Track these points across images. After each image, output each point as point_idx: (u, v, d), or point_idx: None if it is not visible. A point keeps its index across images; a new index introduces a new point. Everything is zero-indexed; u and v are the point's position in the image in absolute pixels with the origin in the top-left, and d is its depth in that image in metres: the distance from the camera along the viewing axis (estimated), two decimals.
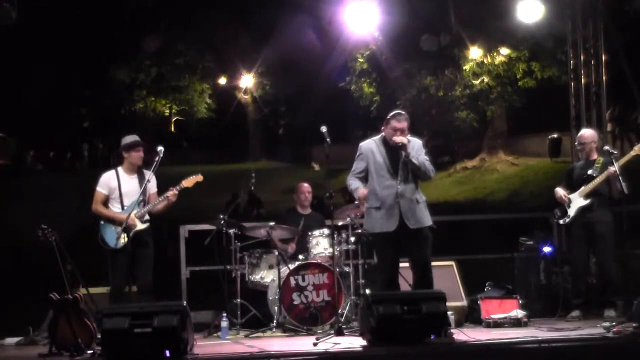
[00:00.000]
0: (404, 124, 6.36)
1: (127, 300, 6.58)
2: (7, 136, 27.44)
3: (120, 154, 7.05)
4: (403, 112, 6.49)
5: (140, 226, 6.81)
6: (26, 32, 20.47)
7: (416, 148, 6.39)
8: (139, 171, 6.98)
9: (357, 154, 6.49)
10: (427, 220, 6.35)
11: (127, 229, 6.62)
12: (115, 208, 6.86)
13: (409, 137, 6.38)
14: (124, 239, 6.68)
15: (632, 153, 7.22)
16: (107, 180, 6.92)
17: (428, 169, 6.38)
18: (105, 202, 6.89)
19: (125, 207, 6.81)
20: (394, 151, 6.32)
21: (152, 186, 7.02)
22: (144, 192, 6.91)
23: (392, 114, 6.45)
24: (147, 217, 6.86)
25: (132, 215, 6.77)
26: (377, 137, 6.51)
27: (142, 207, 6.86)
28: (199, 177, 7.09)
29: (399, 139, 6.26)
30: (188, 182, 7.04)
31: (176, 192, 6.87)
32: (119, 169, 6.99)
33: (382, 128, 6.48)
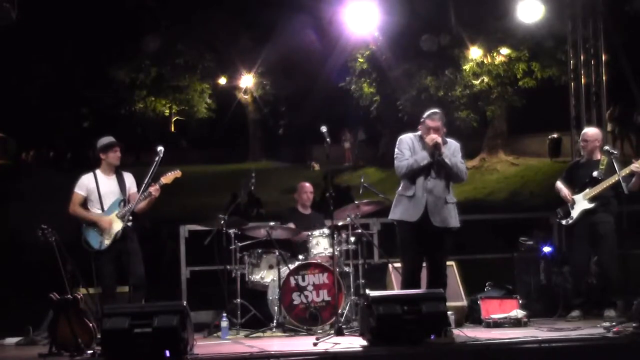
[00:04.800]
0: (437, 123, 6.37)
1: (118, 301, 6.63)
2: (7, 136, 27.42)
3: (97, 155, 7.06)
4: (438, 111, 6.50)
5: (120, 226, 6.82)
6: (26, 31, 20.45)
7: (452, 149, 6.43)
8: (117, 171, 7.04)
9: (400, 144, 6.45)
10: (453, 221, 6.38)
11: (108, 232, 6.72)
12: (95, 209, 6.92)
13: (447, 138, 6.42)
14: (107, 240, 6.75)
15: (628, 170, 7.12)
16: (85, 182, 6.97)
17: (460, 171, 6.39)
18: (85, 204, 6.93)
19: (106, 208, 6.86)
20: (428, 148, 6.33)
21: (132, 185, 7.05)
22: (123, 192, 6.95)
23: (427, 113, 6.48)
24: (129, 216, 6.87)
25: (113, 216, 6.84)
26: (415, 133, 6.52)
27: (122, 207, 6.88)
28: (178, 173, 7.13)
29: (432, 138, 6.28)
30: (167, 178, 7.05)
31: (159, 187, 6.89)
32: (97, 170, 7.03)
33: (419, 127, 6.50)
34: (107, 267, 6.79)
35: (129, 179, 7.08)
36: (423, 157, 6.31)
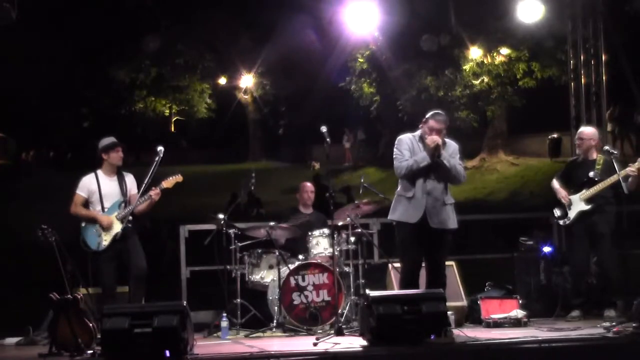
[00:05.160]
0: (441, 125, 6.35)
1: (118, 301, 6.64)
2: (7, 136, 27.45)
3: (99, 156, 7.05)
4: (442, 113, 6.48)
5: (120, 227, 6.82)
6: (26, 31, 20.46)
7: (451, 151, 6.40)
8: (118, 172, 7.02)
9: (399, 144, 6.42)
10: (451, 222, 6.35)
11: (108, 231, 6.71)
12: (96, 210, 6.88)
13: (446, 140, 6.40)
14: (105, 240, 6.75)
15: (624, 173, 7.09)
16: (87, 183, 6.93)
17: (459, 173, 6.37)
18: (86, 205, 6.91)
19: (107, 209, 6.84)
20: (428, 149, 6.30)
21: (133, 187, 7.03)
22: (124, 193, 6.94)
23: (431, 113, 6.45)
24: (129, 217, 6.87)
25: (113, 217, 6.83)
26: (415, 133, 6.49)
27: (123, 209, 6.88)
28: (179, 178, 7.09)
29: (433, 139, 6.26)
30: (168, 182, 7.03)
31: (159, 191, 6.88)
32: (99, 171, 7.00)
33: (420, 125, 6.48)
34: (106, 267, 6.77)
35: (129, 179, 7.06)
36: (423, 159, 6.29)
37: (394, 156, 6.45)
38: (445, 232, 6.35)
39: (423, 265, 6.51)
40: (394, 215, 6.48)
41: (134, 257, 6.81)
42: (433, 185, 6.31)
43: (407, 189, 6.37)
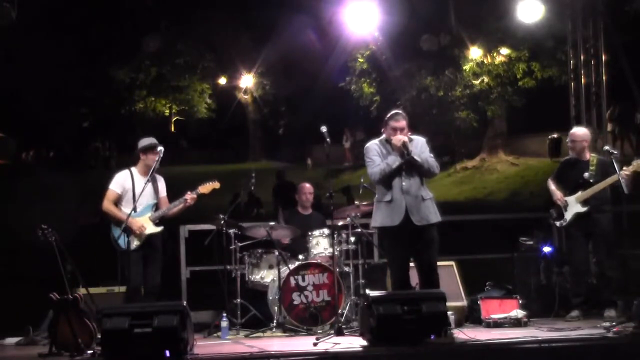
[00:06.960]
0: (402, 123, 6.37)
1: (143, 300, 6.62)
2: (7, 136, 27.41)
3: (137, 155, 7.02)
4: (400, 112, 6.52)
5: (153, 230, 6.82)
6: (26, 31, 20.46)
7: (419, 146, 6.40)
8: (150, 173, 6.96)
9: (368, 152, 6.45)
10: (433, 217, 6.33)
11: (126, 230, 6.62)
12: (127, 209, 6.79)
13: (411, 135, 6.40)
14: (137, 241, 6.70)
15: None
16: (122, 180, 6.89)
17: (432, 166, 6.37)
18: (117, 201, 6.87)
19: (139, 210, 6.75)
20: (396, 149, 6.31)
21: (162, 190, 7.01)
22: (156, 195, 6.92)
23: (389, 114, 6.48)
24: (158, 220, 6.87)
25: (145, 218, 6.80)
26: (379, 139, 6.51)
27: (155, 211, 6.86)
28: (216, 184, 7.10)
29: (398, 138, 6.27)
30: (205, 188, 7.03)
31: (195, 196, 6.87)
32: (133, 169, 6.97)
33: (382, 130, 6.50)
34: (133, 267, 6.71)
35: (161, 182, 7.03)
36: (394, 160, 6.29)
37: (366, 164, 6.48)
38: (430, 227, 6.31)
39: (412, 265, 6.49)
40: (375, 222, 6.47)
41: (152, 271, 6.80)
42: (409, 183, 6.29)
43: (384, 193, 6.35)
